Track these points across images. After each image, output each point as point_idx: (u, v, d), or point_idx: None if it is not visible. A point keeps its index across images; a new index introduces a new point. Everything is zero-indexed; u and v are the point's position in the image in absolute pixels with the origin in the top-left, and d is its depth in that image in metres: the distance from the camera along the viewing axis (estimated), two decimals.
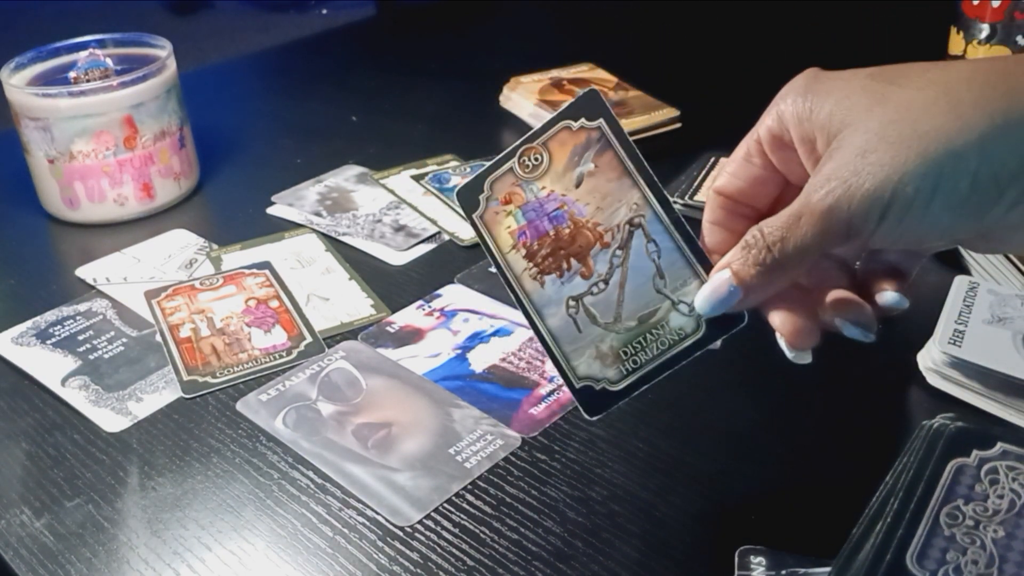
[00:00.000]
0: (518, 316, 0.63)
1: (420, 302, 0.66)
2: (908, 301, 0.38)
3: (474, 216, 0.44)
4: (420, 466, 0.51)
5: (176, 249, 0.75)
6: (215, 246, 0.75)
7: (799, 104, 0.38)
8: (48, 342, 0.63)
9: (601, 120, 0.41)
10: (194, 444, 0.54)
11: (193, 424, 0.56)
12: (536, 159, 0.43)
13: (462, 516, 0.48)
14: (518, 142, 0.43)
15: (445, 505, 0.49)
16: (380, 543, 0.47)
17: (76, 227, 0.79)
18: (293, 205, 0.80)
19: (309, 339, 0.62)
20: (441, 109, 1.02)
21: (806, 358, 0.39)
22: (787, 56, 1.05)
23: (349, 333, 0.63)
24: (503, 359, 0.60)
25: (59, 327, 0.65)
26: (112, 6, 3.00)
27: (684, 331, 0.40)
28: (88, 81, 0.77)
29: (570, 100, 0.42)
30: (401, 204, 0.80)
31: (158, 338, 0.63)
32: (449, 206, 0.78)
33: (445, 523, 0.48)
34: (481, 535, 0.47)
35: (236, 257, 0.73)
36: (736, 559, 0.44)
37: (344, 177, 0.85)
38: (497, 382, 0.58)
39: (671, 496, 0.49)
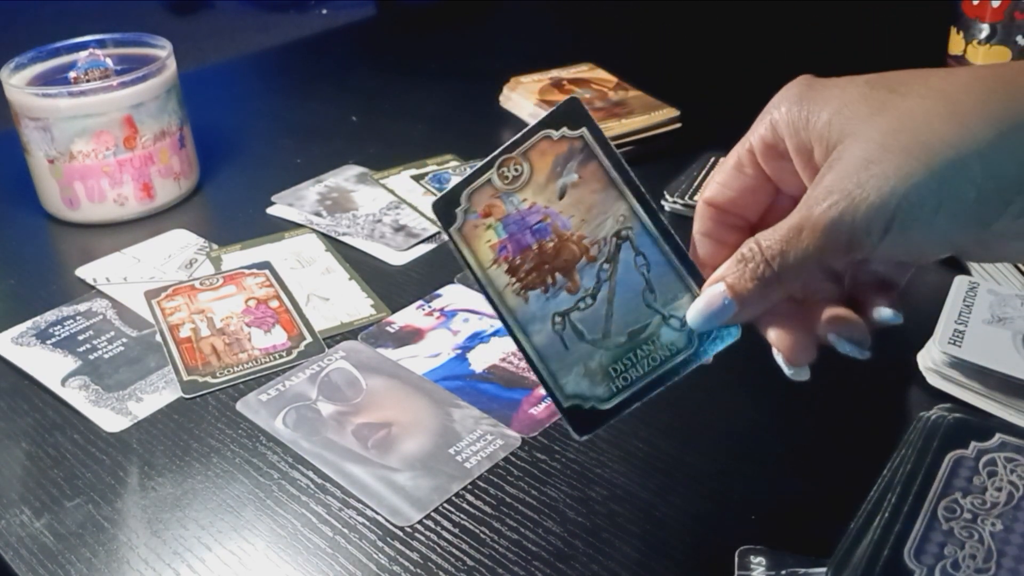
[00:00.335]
0: None
1: (420, 302, 0.66)
2: (901, 317, 0.38)
3: (451, 230, 0.42)
4: (420, 466, 0.52)
5: (176, 249, 0.75)
6: (215, 246, 0.75)
7: (794, 112, 0.37)
8: (48, 342, 0.63)
9: (584, 129, 0.40)
10: (194, 444, 0.54)
11: (193, 424, 0.56)
12: (516, 170, 0.41)
13: (462, 516, 0.48)
14: (496, 152, 0.41)
15: (445, 505, 0.49)
16: (380, 543, 0.47)
17: (76, 227, 0.79)
18: (293, 205, 0.80)
19: (309, 339, 0.62)
20: (441, 109, 1.02)
21: (804, 375, 0.38)
22: (787, 56, 1.05)
23: (349, 333, 0.63)
24: (503, 359, 0.60)
25: (59, 327, 0.65)
26: (112, 6, 3.00)
27: (676, 346, 0.39)
28: (88, 81, 0.77)
29: (549, 110, 0.41)
30: (401, 204, 0.80)
31: (158, 338, 0.63)
32: None
33: (445, 523, 0.48)
34: (481, 535, 0.47)
35: (236, 257, 0.73)
36: (736, 559, 0.44)
37: (344, 177, 0.85)
38: (497, 382, 0.58)
39: (671, 496, 0.49)
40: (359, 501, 0.50)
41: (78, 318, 0.66)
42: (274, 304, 0.66)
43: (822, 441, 0.53)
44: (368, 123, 0.99)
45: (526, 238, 0.41)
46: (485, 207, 0.41)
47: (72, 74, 0.79)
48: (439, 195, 0.42)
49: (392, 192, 0.81)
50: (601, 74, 0.99)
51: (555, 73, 0.99)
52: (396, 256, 0.72)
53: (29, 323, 0.66)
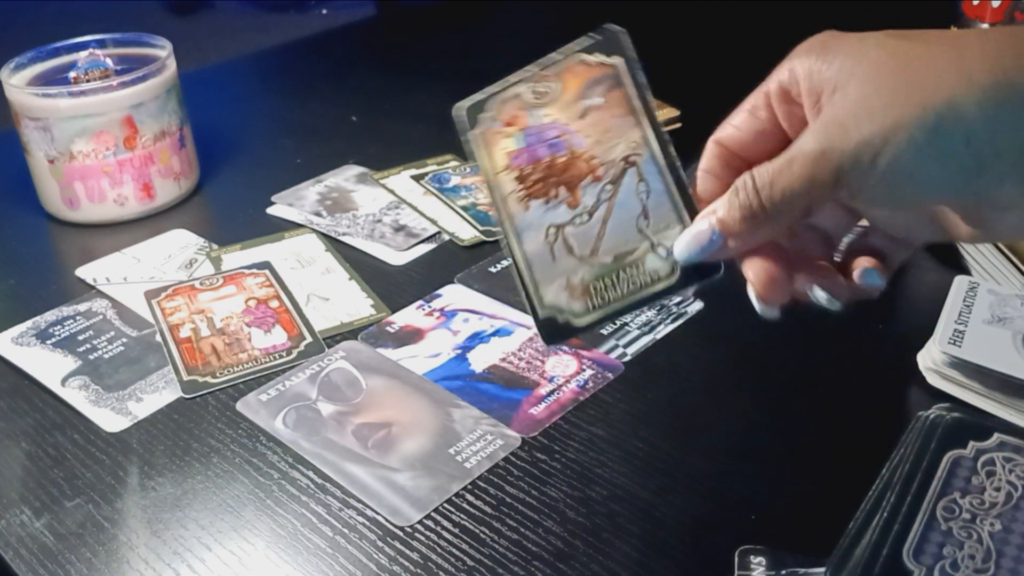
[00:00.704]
0: (518, 316, 0.63)
1: (420, 302, 0.66)
2: (885, 281, 0.38)
3: (470, 133, 0.43)
4: (420, 466, 0.52)
5: (176, 249, 0.75)
6: (215, 246, 0.75)
7: (812, 60, 0.38)
8: (48, 342, 0.63)
9: (620, 59, 0.42)
10: (194, 444, 0.54)
11: (193, 424, 0.56)
12: (547, 87, 0.43)
13: (462, 516, 0.48)
14: (532, 66, 0.43)
15: (445, 505, 0.49)
16: (380, 543, 0.47)
17: (76, 227, 0.79)
18: (293, 205, 0.80)
19: (309, 339, 0.62)
20: (441, 109, 1.01)
21: (773, 312, 0.38)
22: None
23: (349, 333, 0.63)
24: (503, 359, 0.60)
25: (59, 327, 0.65)
26: (112, 6, 3.00)
27: (658, 274, 0.40)
28: (88, 81, 0.77)
29: (591, 34, 0.42)
30: (401, 204, 0.80)
31: (158, 338, 0.63)
32: (449, 206, 0.78)
33: (445, 523, 0.48)
34: (481, 535, 0.47)
35: (236, 257, 0.73)
36: (736, 559, 0.44)
37: (344, 177, 0.85)
38: (497, 382, 0.58)
39: (671, 496, 0.49)
40: (359, 501, 0.50)
41: (78, 318, 0.66)
42: (274, 304, 0.66)
43: (822, 441, 0.53)
44: (368, 123, 0.99)
45: (541, 150, 0.42)
46: (510, 117, 0.43)
47: (72, 74, 0.79)
48: (467, 100, 0.44)
49: (392, 192, 0.81)
50: None
51: None
52: (396, 256, 0.72)
53: (29, 323, 0.66)
